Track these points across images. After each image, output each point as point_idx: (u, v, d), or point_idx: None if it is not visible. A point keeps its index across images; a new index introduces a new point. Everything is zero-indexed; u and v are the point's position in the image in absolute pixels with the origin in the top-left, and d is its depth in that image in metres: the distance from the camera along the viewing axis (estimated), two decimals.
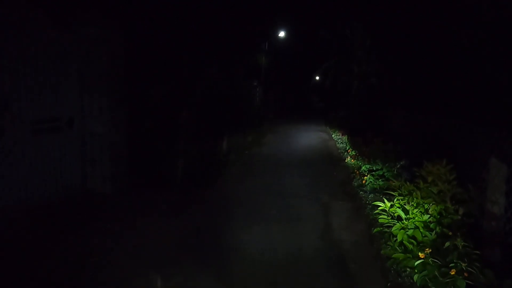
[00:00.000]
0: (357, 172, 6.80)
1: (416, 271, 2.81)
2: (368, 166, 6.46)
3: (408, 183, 4.26)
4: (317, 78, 23.24)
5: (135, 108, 5.71)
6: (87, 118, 5.18)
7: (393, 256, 3.11)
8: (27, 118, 4.16)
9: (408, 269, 2.98)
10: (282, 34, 17.54)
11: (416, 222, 3.48)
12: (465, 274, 2.53)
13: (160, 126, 6.15)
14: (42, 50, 4.36)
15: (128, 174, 5.64)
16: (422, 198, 3.77)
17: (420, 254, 2.88)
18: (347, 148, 10.02)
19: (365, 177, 5.95)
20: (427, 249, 2.92)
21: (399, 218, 3.70)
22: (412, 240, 3.23)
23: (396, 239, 3.32)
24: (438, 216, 3.50)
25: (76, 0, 4.82)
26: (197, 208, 5.04)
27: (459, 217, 3.49)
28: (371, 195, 5.52)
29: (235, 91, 11.16)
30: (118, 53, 5.31)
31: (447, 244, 2.91)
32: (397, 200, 3.95)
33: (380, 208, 3.96)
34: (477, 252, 2.83)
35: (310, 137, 13.71)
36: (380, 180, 5.71)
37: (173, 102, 6.34)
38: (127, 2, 5.54)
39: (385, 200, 3.98)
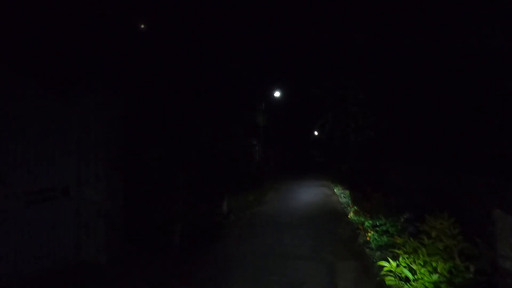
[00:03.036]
0: (361, 228, 6.58)
1: None
2: (371, 221, 6.25)
3: (412, 239, 4.08)
4: (316, 133, 23.68)
5: (132, 172, 5.73)
6: (83, 186, 5.15)
7: None
8: (21, 189, 4.15)
9: None
10: (277, 93, 18.25)
11: (426, 283, 3.25)
12: None
13: (157, 189, 6.11)
14: (39, 120, 4.48)
15: (124, 242, 5.46)
16: (428, 255, 3.57)
17: None
18: (349, 203, 9.81)
19: (369, 234, 5.72)
20: None
21: (407, 279, 3.46)
22: None
23: None
24: (448, 275, 3.28)
25: (75, 72, 5.06)
26: (195, 278, 4.78)
27: (471, 275, 3.27)
28: (378, 253, 5.29)
29: (234, 150, 11.29)
30: (116, 121, 5.44)
31: None
32: (403, 259, 3.74)
33: (385, 268, 3.74)
34: None
35: (312, 193, 13.50)
36: (384, 236, 5.48)
37: (170, 164, 6.38)
38: (125, 71, 5.84)
39: (390, 260, 3.77)
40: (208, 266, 5.25)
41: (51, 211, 4.62)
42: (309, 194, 13.36)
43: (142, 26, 6.90)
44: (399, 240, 4.22)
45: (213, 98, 8.87)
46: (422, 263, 3.52)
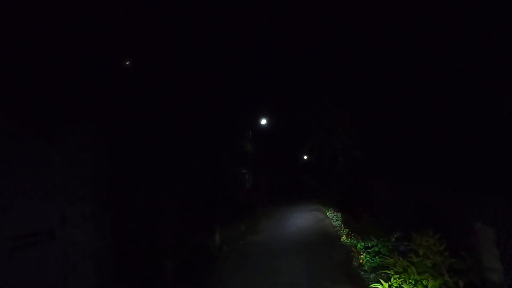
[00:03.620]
0: (355, 250, 6.57)
1: None
2: (363, 243, 6.25)
3: (401, 259, 4.10)
4: (305, 157, 23.85)
5: (120, 209, 5.66)
6: (69, 227, 5.04)
7: None
8: (6, 235, 4.04)
9: None
10: (264, 121, 18.51)
11: None
12: None
13: (146, 225, 6.02)
14: (21, 163, 4.42)
15: (114, 282, 5.30)
16: (418, 273, 3.59)
17: None
18: (342, 226, 9.80)
19: (362, 256, 5.71)
20: None
21: None
22: None
23: None
24: None
25: (58, 113, 5.08)
26: None
27: None
28: (372, 274, 5.27)
29: (224, 180, 11.28)
30: (101, 159, 5.43)
31: None
32: (394, 279, 3.75)
33: None
34: None
35: (305, 218, 13.43)
36: (377, 257, 5.48)
37: (158, 198, 6.33)
38: (108, 111, 5.90)
39: (382, 281, 3.77)
40: None
41: (37, 256, 4.49)
42: (302, 219, 13.28)
43: (127, 63, 7.04)
44: (389, 261, 4.24)
45: (200, 128, 8.96)
46: (413, 282, 3.53)
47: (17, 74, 4.44)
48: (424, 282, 3.45)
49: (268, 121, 18.93)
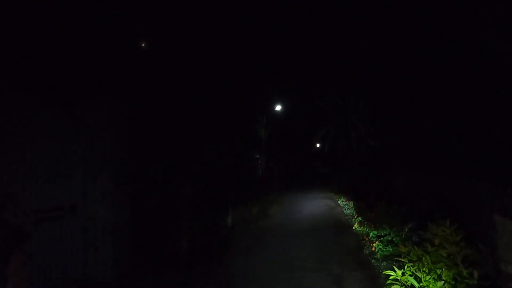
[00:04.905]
0: (367, 238, 6.60)
1: None
2: (375, 232, 6.27)
3: (416, 247, 4.11)
4: (318, 145, 23.74)
5: (138, 188, 5.81)
6: (89, 203, 5.23)
7: None
8: (30, 208, 4.22)
9: None
10: (278, 107, 18.42)
11: None
12: None
13: (163, 204, 6.18)
14: (47, 139, 4.57)
15: (131, 257, 5.50)
16: (432, 263, 3.61)
17: None
18: (354, 214, 9.81)
19: (374, 244, 5.75)
20: None
21: (412, 287, 3.50)
22: None
23: None
24: (453, 282, 3.32)
25: (80, 91, 5.20)
26: None
27: (475, 281, 3.30)
28: (384, 263, 5.31)
29: (238, 164, 11.37)
30: (121, 137, 5.55)
31: None
32: (408, 267, 3.78)
33: (391, 277, 3.77)
34: None
35: (316, 205, 13.49)
36: (389, 246, 5.51)
37: (175, 179, 6.47)
38: (129, 88, 6.00)
39: (395, 268, 3.81)
40: (216, 281, 5.28)
41: (59, 229, 4.69)
42: (313, 206, 13.34)
43: (143, 44, 7.08)
44: (403, 249, 4.26)
45: (216, 113, 9.03)
46: (426, 271, 3.56)
47: (44, 57, 4.54)
48: (438, 271, 3.47)
49: (283, 107, 18.84)
